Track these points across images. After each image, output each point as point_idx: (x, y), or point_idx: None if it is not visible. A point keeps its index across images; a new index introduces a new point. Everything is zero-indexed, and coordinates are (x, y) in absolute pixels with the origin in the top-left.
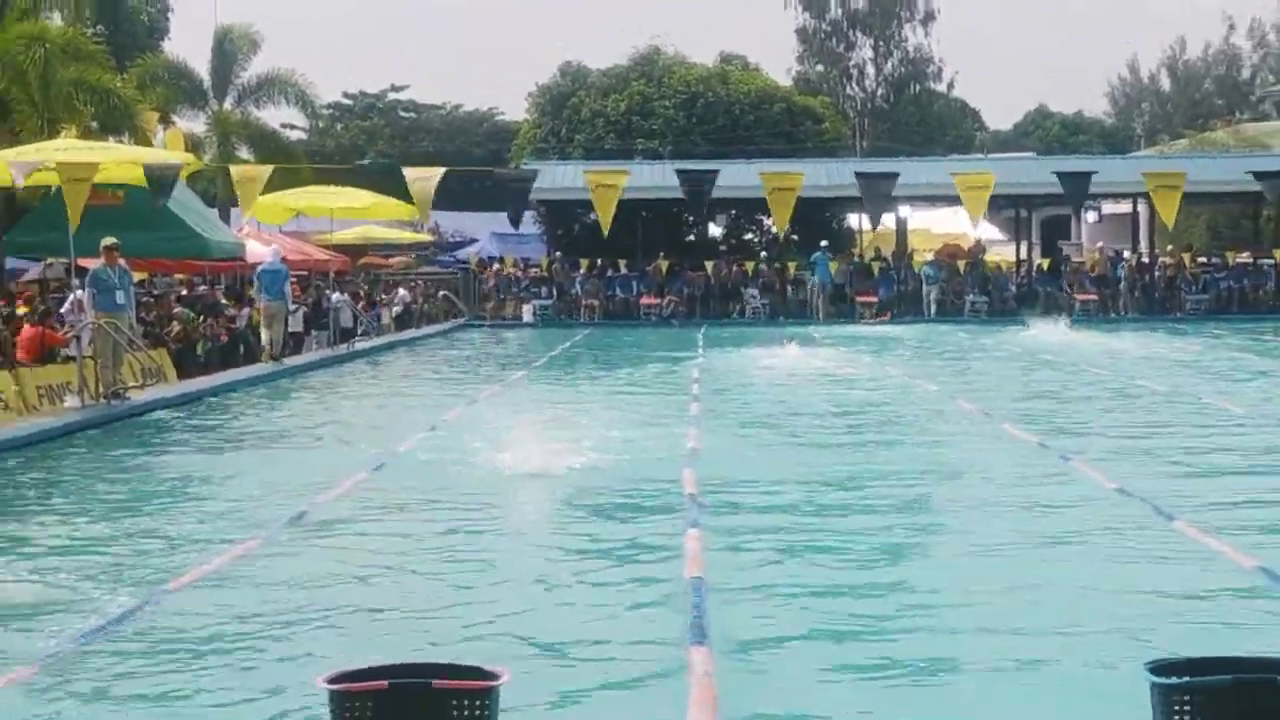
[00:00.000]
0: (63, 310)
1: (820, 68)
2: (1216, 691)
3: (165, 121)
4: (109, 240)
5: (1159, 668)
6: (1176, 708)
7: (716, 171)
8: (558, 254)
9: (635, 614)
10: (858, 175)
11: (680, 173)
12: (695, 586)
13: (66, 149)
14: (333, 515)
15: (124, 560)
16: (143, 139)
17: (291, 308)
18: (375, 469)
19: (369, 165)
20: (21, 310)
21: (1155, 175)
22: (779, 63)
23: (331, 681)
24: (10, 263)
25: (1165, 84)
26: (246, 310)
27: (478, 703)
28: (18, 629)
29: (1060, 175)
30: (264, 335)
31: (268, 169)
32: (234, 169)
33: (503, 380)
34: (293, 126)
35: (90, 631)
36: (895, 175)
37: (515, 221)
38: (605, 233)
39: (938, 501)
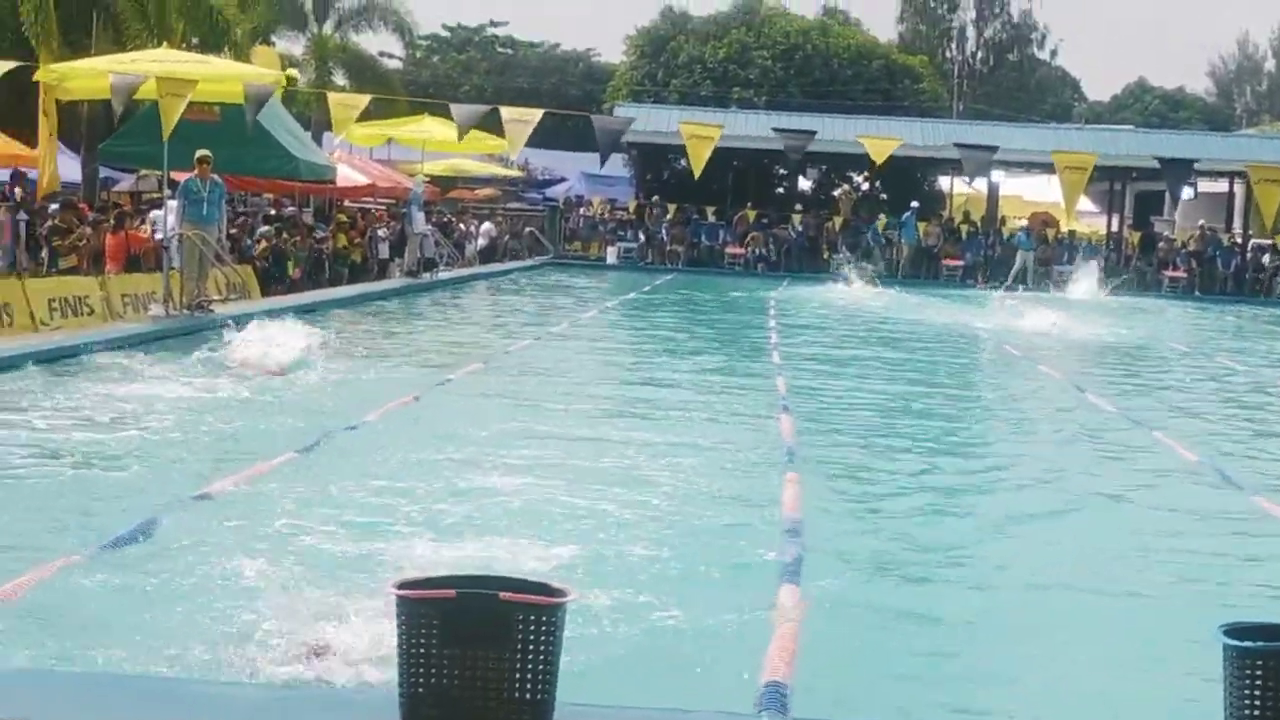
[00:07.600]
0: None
1: (922, 27)
2: None
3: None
4: (202, 152)
5: (1234, 631)
6: (1249, 672)
7: (814, 133)
8: (655, 198)
9: None
10: (957, 145)
11: (779, 130)
12: None
13: (164, 60)
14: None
15: None
16: (242, 57)
17: (382, 234)
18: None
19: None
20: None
21: (1260, 168)
22: (881, 20)
23: (401, 588)
24: (104, 172)
25: (1271, 65)
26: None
27: (544, 618)
28: None
29: (1161, 160)
30: (407, 255)
31: (365, 98)
32: (332, 96)
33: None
34: (390, 55)
35: None
36: (995, 149)
37: (603, 159)
38: (697, 176)
39: None
